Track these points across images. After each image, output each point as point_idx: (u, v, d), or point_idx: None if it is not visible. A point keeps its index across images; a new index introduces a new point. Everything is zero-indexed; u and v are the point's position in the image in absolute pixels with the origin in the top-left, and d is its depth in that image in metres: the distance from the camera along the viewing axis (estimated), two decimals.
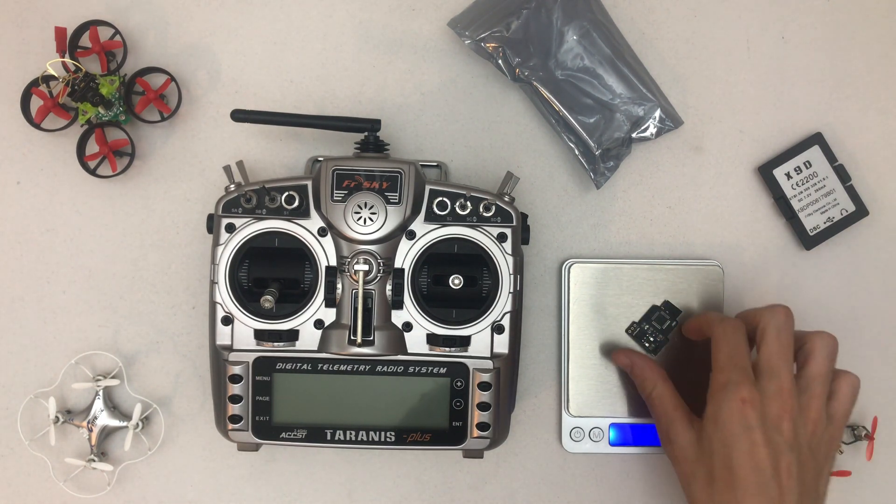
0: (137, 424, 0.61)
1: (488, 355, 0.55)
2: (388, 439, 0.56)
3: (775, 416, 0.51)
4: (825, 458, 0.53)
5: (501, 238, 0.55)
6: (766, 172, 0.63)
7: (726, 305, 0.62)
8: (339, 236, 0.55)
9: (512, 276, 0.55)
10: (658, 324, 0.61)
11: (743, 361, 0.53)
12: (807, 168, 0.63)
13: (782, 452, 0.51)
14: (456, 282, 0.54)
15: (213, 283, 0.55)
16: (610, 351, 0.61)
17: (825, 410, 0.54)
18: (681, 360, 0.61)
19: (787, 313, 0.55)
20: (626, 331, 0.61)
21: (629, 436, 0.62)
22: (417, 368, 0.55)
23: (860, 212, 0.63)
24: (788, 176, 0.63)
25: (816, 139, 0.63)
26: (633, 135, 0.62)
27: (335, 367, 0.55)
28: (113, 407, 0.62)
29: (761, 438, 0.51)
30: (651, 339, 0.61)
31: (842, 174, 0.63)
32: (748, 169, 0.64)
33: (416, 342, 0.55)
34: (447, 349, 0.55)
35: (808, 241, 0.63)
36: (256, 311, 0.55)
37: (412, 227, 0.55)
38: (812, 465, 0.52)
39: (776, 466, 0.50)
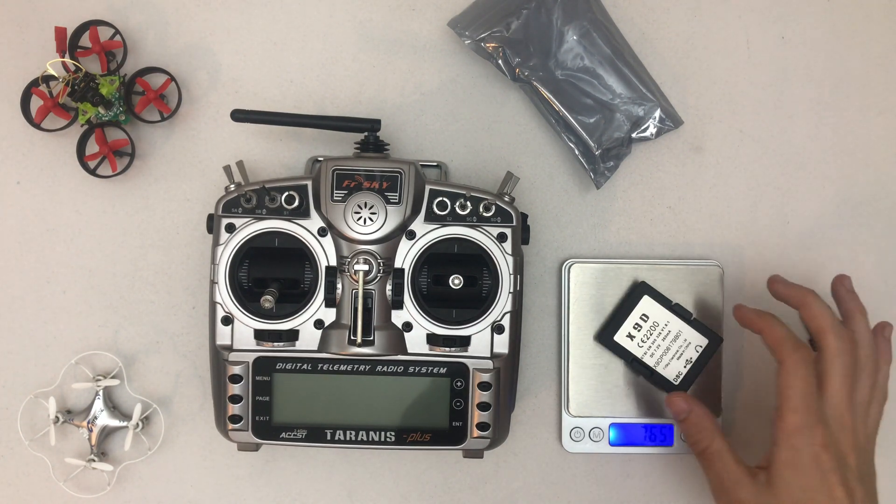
0: (137, 424, 0.61)
1: (488, 355, 0.55)
2: (388, 439, 0.56)
3: (844, 452, 0.52)
4: (873, 472, 0.54)
5: (501, 238, 0.55)
6: None
7: (726, 305, 0.62)
8: (339, 236, 0.55)
9: (512, 276, 0.55)
10: None
11: (816, 400, 0.52)
12: None
13: (855, 487, 0.51)
14: (456, 282, 0.53)
15: (213, 283, 0.55)
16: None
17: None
18: None
19: (854, 345, 0.54)
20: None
21: (629, 436, 0.62)
22: (417, 368, 0.55)
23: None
24: None
25: None
26: (633, 135, 0.61)
27: (335, 367, 0.55)
28: (113, 407, 0.62)
29: (837, 479, 0.50)
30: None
31: None
32: (748, 169, 0.64)
33: (416, 342, 0.55)
34: (447, 349, 0.55)
35: None
36: (256, 311, 0.55)
37: (412, 227, 0.55)
38: (870, 486, 0.53)
39: (852, 501, 0.51)
